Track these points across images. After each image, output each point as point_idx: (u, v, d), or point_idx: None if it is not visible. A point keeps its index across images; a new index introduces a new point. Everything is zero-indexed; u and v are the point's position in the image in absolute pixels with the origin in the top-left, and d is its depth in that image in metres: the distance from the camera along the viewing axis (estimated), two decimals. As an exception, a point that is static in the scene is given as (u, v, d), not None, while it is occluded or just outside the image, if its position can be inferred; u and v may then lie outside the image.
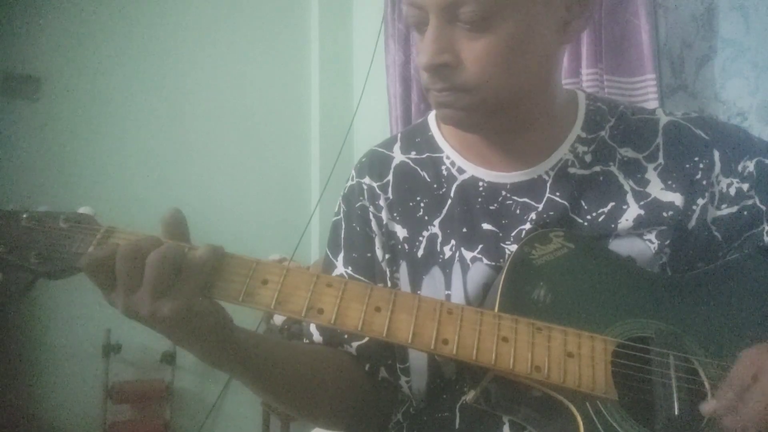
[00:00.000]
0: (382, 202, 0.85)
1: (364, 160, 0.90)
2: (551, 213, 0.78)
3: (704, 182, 0.79)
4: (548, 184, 0.80)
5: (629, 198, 0.79)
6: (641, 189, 0.79)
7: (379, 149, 0.90)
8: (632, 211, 0.78)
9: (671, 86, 1.69)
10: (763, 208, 0.79)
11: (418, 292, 0.80)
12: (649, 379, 0.66)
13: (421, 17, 0.71)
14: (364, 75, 2.88)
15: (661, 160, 0.81)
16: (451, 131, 0.86)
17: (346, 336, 0.82)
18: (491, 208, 0.80)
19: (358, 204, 0.86)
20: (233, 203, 2.98)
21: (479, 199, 0.81)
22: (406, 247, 0.82)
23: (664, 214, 0.78)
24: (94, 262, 0.61)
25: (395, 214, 0.84)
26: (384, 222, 0.84)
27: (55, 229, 0.66)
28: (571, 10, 0.73)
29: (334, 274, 0.85)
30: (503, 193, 0.80)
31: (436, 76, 0.72)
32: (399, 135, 0.92)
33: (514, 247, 0.75)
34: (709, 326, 0.70)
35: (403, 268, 0.82)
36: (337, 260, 0.86)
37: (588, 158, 0.81)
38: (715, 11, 1.58)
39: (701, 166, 0.79)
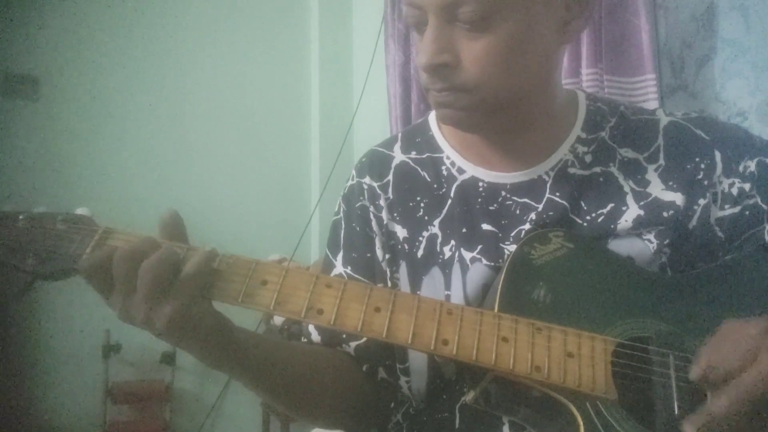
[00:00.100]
0: (382, 202, 0.85)
1: (364, 159, 0.90)
2: (551, 213, 0.78)
3: (706, 182, 0.79)
4: (548, 185, 0.80)
5: (629, 199, 0.79)
6: (641, 189, 0.79)
7: (380, 149, 0.90)
8: (632, 212, 0.78)
9: (671, 86, 1.69)
10: (765, 207, 0.78)
11: (418, 292, 0.80)
12: (649, 379, 0.66)
13: (420, 17, 0.71)
14: (364, 75, 2.88)
15: (661, 161, 0.81)
16: (451, 131, 0.86)
17: (344, 336, 0.82)
18: (491, 208, 0.80)
19: (359, 204, 0.86)
20: (233, 203, 2.98)
21: (479, 200, 0.81)
22: (406, 247, 0.82)
23: (664, 214, 0.78)
24: (91, 266, 0.61)
25: (395, 214, 0.84)
26: (384, 222, 0.84)
27: (52, 230, 0.65)
28: (570, 10, 0.73)
29: (333, 273, 0.85)
30: (503, 193, 0.80)
31: (435, 76, 0.72)
32: (399, 135, 0.91)
33: (513, 248, 0.75)
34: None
35: (403, 268, 0.82)
36: (336, 260, 0.86)
37: (588, 159, 0.81)
38: (715, 11, 1.58)
39: (702, 166, 0.79)
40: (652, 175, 0.80)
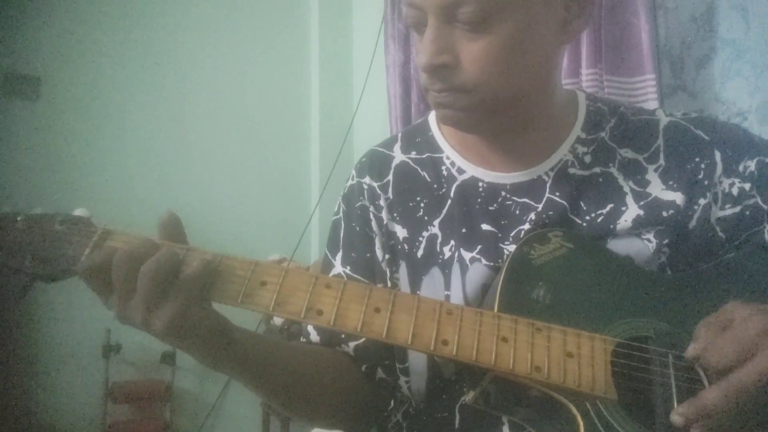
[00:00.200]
0: (382, 202, 0.85)
1: (364, 159, 0.90)
2: (550, 213, 0.78)
3: (706, 182, 0.79)
4: (548, 185, 0.80)
5: (628, 199, 0.79)
6: (641, 189, 0.79)
7: (380, 149, 0.90)
8: (631, 212, 0.78)
9: (671, 86, 1.69)
10: (765, 207, 0.79)
11: (418, 292, 0.80)
12: (648, 379, 0.66)
13: (420, 18, 0.71)
14: (364, 75, 2.88)
15: (661, 161, 0.81)
16: (451, 131, 0.86)
17: (343, 336, 0.82)
18: (491, 208, 0.80)
19: (358, 204, 0.86)
20: (233, 203, 2.98)
21: (479, 200, 0.81)
22: (406, 247, 0.82)
23: (664, 214, 0.78)
24: (89, 268, 0.61)
25: (395, 214, 0.84)
26: (384, 222, 0.84)
27: (50, 231, 0.65)
28: (570, 10, 0.73)
29: (332, 273, 0.86)
30: (503, 193, 0.80)
31: (435, 77, 0.72)
32: (399, 135, 0.92)
33: (513, 248, 0.75)
34: None
35: (403, 268, 0.82)
36: (335, 260, 0.86)
37: (588, 159, 0.81)
38: (715, 11, 1.58)
39: (703, 166, 0.79)
40: (652, 176, 0.80)
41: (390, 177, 0.86)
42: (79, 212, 0.68)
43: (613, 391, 0.64)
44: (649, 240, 0.77)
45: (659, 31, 1.69)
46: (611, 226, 0.77)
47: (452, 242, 0.80)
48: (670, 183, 0.79)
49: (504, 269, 0.71)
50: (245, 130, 3.07)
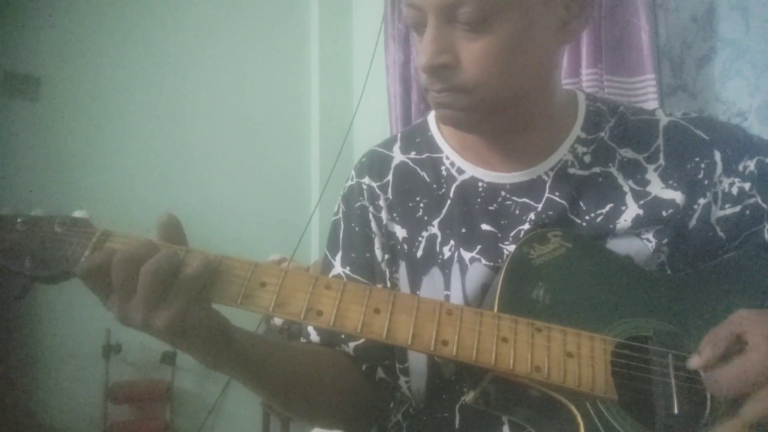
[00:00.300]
0: (381, 202, 0.85)
1: (363, 160, 0.90)
2: (550, 213, 0.78)
3: (706, 182, 0.79)
4: (547, 185, 0.80)
5: (628, 199, 0.79)
6: (641, 189, 0.79)
7: (379, 149, 0.90)
8: (631, 212, 0.78)
9: (671, 86, 1.69)
10: (765, 206, 0.79)
11: (417, 292, 0.80)
12: (648, 379, 0.66)
13: (419, 18, 0.71)
14: (364, 75, 2.88)
15: (661, 161, 0.81)
16: (450, 131, 0.86)
17: (343, 336, 0.82)
18: (490, 208, 0.80)
19: (358, 204, 0.86)
20: (233, 203, 2.98)
21: (478, 200, 0.81)
22: (406, 247, 0.82)
23: (664, 213, 0.78)
24: (88, 269, 0.61)
25: (395, 215, 0.84)
26: (383, 222, 0.84)
27: (49, 233, 0.65)
28: (569, 10, 0.73)
29: (331, 273, 0.86)
30: (502, 193, 0.81)
31: (434, 77, 0.72)
32: (399, 135, 0.92)
33: (512, 248, 0.75)
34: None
35: (403, 268, 0.82)
36: (335, 260, 0.87)
37: (587, 159, 0.81)
38: (715, 11, 1.58)
39: (703, 166, 0.80)
40: (651, 175, 0.80)
41: (389, 177, 0.86)
42: (78, 214, 0.68)
43: (613, 391, 0.64)
44: (648, 239, 0.77)
45: (659, 31, 1.69)
46: (611, 226, 0.77)
47: (452, 242, 0.80)
48: (670, 182, 0.79)
49: (504, 269, 0.71)
50: (245, 130, 3.07)
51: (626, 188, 0.79)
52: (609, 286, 0.72)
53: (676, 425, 0.63)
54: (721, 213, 0.79)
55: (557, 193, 0.79)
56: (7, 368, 2.50)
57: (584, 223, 0.78)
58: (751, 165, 0.79)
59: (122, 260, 0.60)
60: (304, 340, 0.86)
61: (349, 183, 0.89)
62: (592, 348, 0.65)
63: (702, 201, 0.79)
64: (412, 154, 0.87)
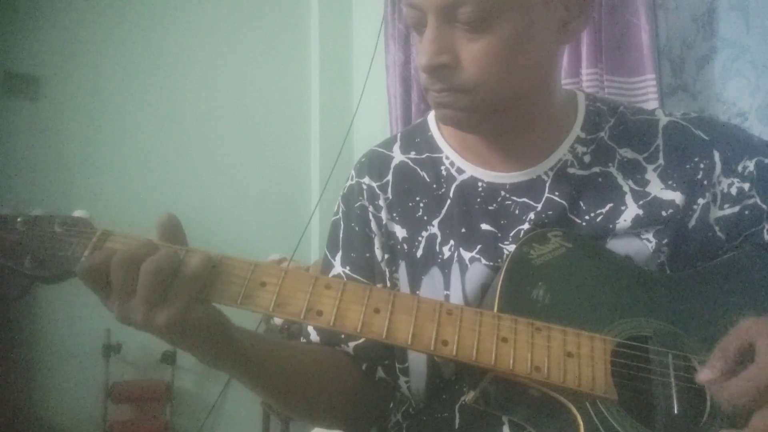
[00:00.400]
0: (381, 202, 0.85)
1: (363, 160, 0.90)
2: (550, 213, 0.78)
3: (705, 182, 0.79)
4: (547, 185, 0.80)
5: (628, 199, 0.79)
6: (640, 189, 0.79)
7: (379, 149, 0.90)
8: (630, 212, 0.78)
9: (671, 86, 1.69)
10: (764, 206, 0.79)
11: (417, 292, 0.80)
12: (648, 379, 0.66)
13: (419, 18, 0.71)
14: (364, 75, 2.88)
15: (661, 161, 0.81)
16: (450, 131, 0.86)
17: (343, 336, 0.82)
18: (490, 208, 0.80)
19: (358, 204, 0.86)
20: (233, 203, 2.98)
21: (478, 200, 0.81)
22: (406, 247, 0.82)
23: (663, 213, 0.78)
24: (88, 269, 0.61)
25: (394, 214, 0.84)
26: (383, 222, 0.84)
27: (49, 233, 0.65)
28: (569, 10, 0.73)
29: (331, 273, 0.86)
30: (502, 193, 0.81)
31: (434, 77, 0.72)
32: (399, 135, 0.92)
33: (512, 247, 0.75)
34: (708, 324, 0.70)
35: (402, 268, 0.82)
36: (334, 260, 0.87)
37: (587, 159, 0.81)
38: (715, 11, 1.58)
39: (702, 166, 0.80)
40: (651, 175, 0.80)
41: (389, 177, 0.86)
42: (78, 213, 0.68)
43: (613, 391, 0.64)
44: (648, 240, 0.77)
45: (659, 31, 1.69)
46: (610, 226, 0.77)
47: (452, 242, 0.80)
48: (670, 183, 0.79)
49: (503, 269, 0.71)
50: (245, 130, 3.07)
51: (626, 188, 0.79)
52: (609, 286, 0.72)
53: (675, 425, 0.63)
54: (720, 213, 0.79)
55: (557, 193, 0.79)
56: (7, 368, 2.50)
57: (584, 223, 0.78)
58: (751, 165, 0.79)
59: (122, 260, 0.60)
60: (304, 340, 0.86)
61: (349, 183, 0.89)
62: (592, 348, 0.65)
63: (701, 201, 0.79)
64: (412, 154, 0.87)
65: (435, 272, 0.80)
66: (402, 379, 0.82)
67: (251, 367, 0.71)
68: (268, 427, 2.79)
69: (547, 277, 0.70)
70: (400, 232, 0.83)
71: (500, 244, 0.78)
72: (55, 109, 2.70)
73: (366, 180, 0.87)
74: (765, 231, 0.79)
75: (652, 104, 1.62)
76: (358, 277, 0.83)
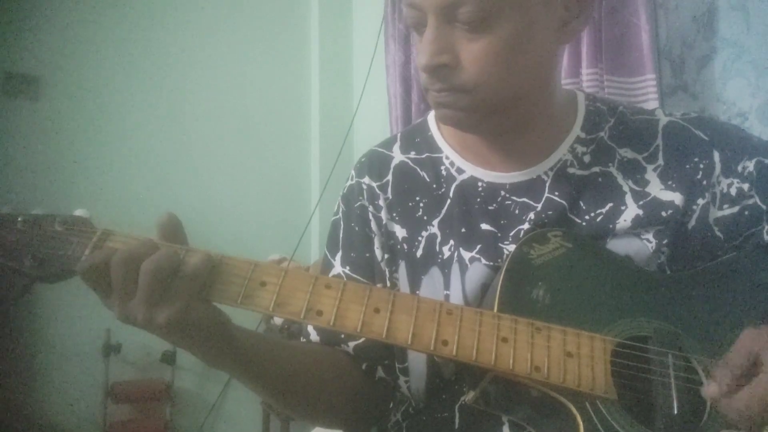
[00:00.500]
0: (381, 202, 0.85)
1: (363, 160, 0.90)
2: (550, 213, 0.78)
3: (705, 182, 0.79)
4: (547, 184, 0.80)
5: (628, 198, 0.79)
6: (640, 189, 0.79)
7: (379, 149, 0.90)
8: (630, 212, 0.78)
9: (671, 86, 1.69)
10: (764, 207, 0.79)
11: (417, 292, 0.80)
12: (648, 379, 0.66)
13: (419, 18, 0.71)
14: (364, 75, 2.87)
15: (660, 161, 0.81)
16: (450, 131, 0.86)
17: (342, 335, 0.82)
18: (490, 208, 0.80)
19: (358, 204, 0.86)
20: (233, 203, 2.98)
21: (478, 200, 0.81)
22: (405, 247, 0.82)
23: (663, 214, 0.78)
24: (89, 268, 0.61)
25: (394, 214, 0.84)
26: (383, 222, 0.84)
27: (50, 232, 0.65)
28: (569, 10, 0.73)
29: (331, 273, 0.86)
30: (502, 193, 0.81)
31: (434, 77, 0.72)
32: (399, 135, 0.92)
33: (512, 247, 0.75)
34: (708, 324, 0.70)
35: (402, 268, 0.82)
36: (334, 260, 0.87)
37: (587, 159, 0.81)
38: (715, 11, 1.57)
39: (701, 166, 0.80)
40: (651, 175, 0.80)
41: (389, 177, 0.86)
42: (78, 213, 0.68)
43: (613, 391, 0.64)
44: (648, 240, 0.77)
45: (660, 31, 1.69)
46: (610, 226, 0.77)
47: (451, 242, 0.80)
48: (669, 183, 0.79)
49: (503, 269, 0.71)
50: (245, 130, 3.07)
51: (626, 188, 0.79)
52: (609, 286, 0.72)
53: (675, 425, 0.63)
54: (720, 213, 0.79)
55: (557, 193, 0.79)
56: (7, 368, 2.50)
57: (584, 223, 0.78)
58: (750, 166, 0.79)
59: (122, 259, 0.60)
60: (304, 340, 0.86)
61: (349, 183, 0.89)
62: (592, 348, 0.65)
63: (701, 201, 0.79)
64: (412, 154, 0.87)
65: (435, 272, 0.80)
66: (402, 379, 0.82)
67: (251, 366, 0.71)
68: (268, 427, 2.79)
69: (547, 277, 0.70)
70: (400, 231, 0.83)
71: (500, 244, 0.78)
72: (55, 109, 2.70)
73: (366, 180, 0.87)
74: (765, 231, 0.79)
75: (652, 104, 1.61)
76: (358, 277, 0.83)
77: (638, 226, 0.77)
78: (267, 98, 3.13)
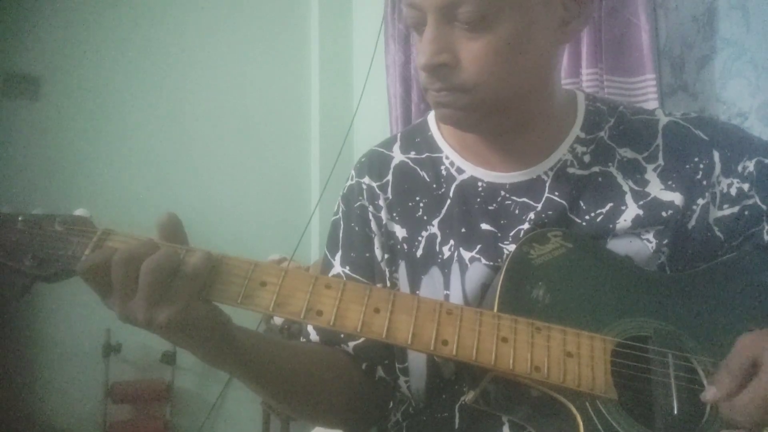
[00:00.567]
0: (381, 202, 0.85)
1: (363, 160, 0.90)
2: (550, 213, 0.78)
3: (705, 182, 0.79)
4: (547, 184, 0.80)
5: (628, 198, 0.79)
6: (640, 189, 0.79)
7: (379, 149, 0.90)
8: (630, 212, 0.78)
9: (671, 86, 1.69)
10: (764, 207, 0.79)
11: (417, 292, 0.80)
12: (648, 379, 0.66)
13: (419, 18, 0.71)
14: (364, 75, 2.87)
15: (660, 161, 0.81)
16: (450, 131, 0.86)
17: (342, 335, 0.82)
18: (490, 208, 0.80)
19: (357, 204, 0.86)
20: (233, 203, 2.98)
21: (478, 199, 0.81)
22: (405, 247, 0.82)
23: (663, 214, 0.78)
24: (89, 268, 0.61)
25: (394, 214, 0.84)
26: (383, 222, 0.84)
27: (50, 232, 0.65)
28: (569, 10, 0.73)
29: (331, 273, 0.86)
30: (502, 193, 0.81)
31: (434, 76, 0.72)
32: (399, 135, 0.92)
33: (512, 247, 0.75)
34: (708, 324, 0.70)
35: (402, 268, 0.82)
36: (334, 259, 0.87)
37: (587, 159, 0.81)
38: (715, 11, 1.57)
39: (701, 166, 0.80)
40: (651, 175, 0.80)
41: (389, 177, 0.86)
42: (79, 212, 0.68)
43: (613, 391, 0.64)
44: (648, 240, 0.77)
45: (660, 31, 1.69)
46: (610, 226, 0.77)
47: (451, 242, 0.80)
48: (669, 183, 0.79)
49: (504, 269, 0.71)
50: (245, 130, 3.07)
51: (626, 188, 0.79)
52: (609, 286, 0.72)
53: (675, 425, 0.63)
54: (720, 213, 0.79)
55: (557, 193, 0.79)
56: (7, 368, 2.50)
57: (584, 223, 0.78)
58: (750, 166, 0.79)
59: (123, 259, 0.60)
60: (304, 339, 0.86)
61: (349, 183, 0.89)
62: (592, 348, 0.65)
63: (701, 201, 0.79)
64: (412, 154, 0.87)
65: (435, 272, 0.80)
66: (402, 379, 0.82)
67: (251, 366, 0.71)
68: (268, 427, 2.79)
69: (547, 277, 0.70)
70: (400, 231, 0.83)
71: (500, 244, 0.78)
72: (55, 109, 2.70)
73: (366, 180, 0.87)
74: (765, 231, 0.79)
75: (652, 104, 1.61)
76: (358, 277, 0.83)
77: (638, 226, 0.77)
78: (267, 98, 3.13)
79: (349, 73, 3.22)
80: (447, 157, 0.85)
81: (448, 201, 0.82)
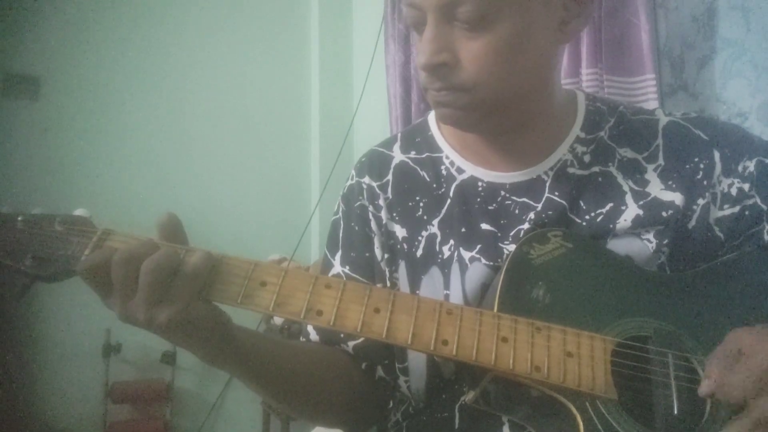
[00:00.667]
0: (381, 202, 0.85)
1: (363, 159, 0.90)
2: (550, 213, 0.78)
3: (705, 182, 0.79)
4: (547, 184, 0.80)
5: (628, 198, 0.79)
6: (640, 189, 0.79)
7: (379, 149, 0.90)
8: (631, 212, 0.78)
9: (671, 86, 1.69)
10: (764, 207, 0.79)
11: (417, 292, 0.80)
12: (648, 379, 0.66)
13: (419, 17, 0.71)
14: (364, 75, 2.87)
15: (661, 161, 0.81)
16: (450, 131, 0.86)
17: (342, 335, 0.82)
18: (490, 208, 0.80)
19: (358, 203, 0.86)
20: (233, 203, 2.98)
21: (478, 199, 0.81)
22: (405, 246, 0.82)
23: (664, 214, 0.78)
24: (89, 268, 0.61)
25: (394, 214, 0.84)
26: (383, 222, 0.84)
27: (50, 231, 0.65)
28: (569, 10, 0.73)
29: (331, 273, 0.86)
30: (502, 193, 0.81)
31: (434, 76, 0.72)
32: (399, 135, 0.92)
33: (512, 247, 0.75)
34: (708, 324, 0.70)
35: (402, 267, 0.82)
36: (334, 259, 0.87)
37: (587, 158, 0.81)
38: (715, 11, 1.57)
39: (702, 166, 0.79)
40: (651, 175, 0.80)
41: (389, 177, 0.86)
42: (79, 212, 0.68)
43: (613, 391, 0.64)
44: (648, 240, 0.77)
45: (660, 31, 1.69)
46: (611, 226, 0.77)
47: (451, 242, 0.80)
48: (669, 183, 0.79)
49: (504, 269, 0.71)
50: (245, 131, 3.07)
51: (626, 188, 0.79)
52: (609, 286, 0.72)
53: (675, 425, 0.63)
54: (720, 213, 0.79)
55: (557, 193, 0.79)
56: (7, 368, 2.50)
57: (584, 223, 0.78)
58: (751, 165, 0.79)
59: (123, 258, 0.60)
60: (304, 339, 0.86)
61: (349, 182, 0.89)
62: (592, 348, 0.65)
63: (701, 201, 0.78)
64: (412, 154, 0.87)
65: (435, 272, 0.80)
66: (402, 379, 0.82)
67: (251, 366, 0.71)
68: (268, 427, 2.79)
69: (547, 277, 0.70)
70: (400, 231, 0.83)
71: (500, 244, 0.78)
72: (55, 109, 2.70)
73: (366, 180, 0.87)
74: (765, 231, 0.79)
75: (652, 104, 1.61)
76: (358, 277, 0.83)
77: (638, 226, 0.77)
78: (267, 98, 3.13)
79: (349, 73, 3.22)
80: (447, 157, 0.85)
81: (448, 201, 0.82)
